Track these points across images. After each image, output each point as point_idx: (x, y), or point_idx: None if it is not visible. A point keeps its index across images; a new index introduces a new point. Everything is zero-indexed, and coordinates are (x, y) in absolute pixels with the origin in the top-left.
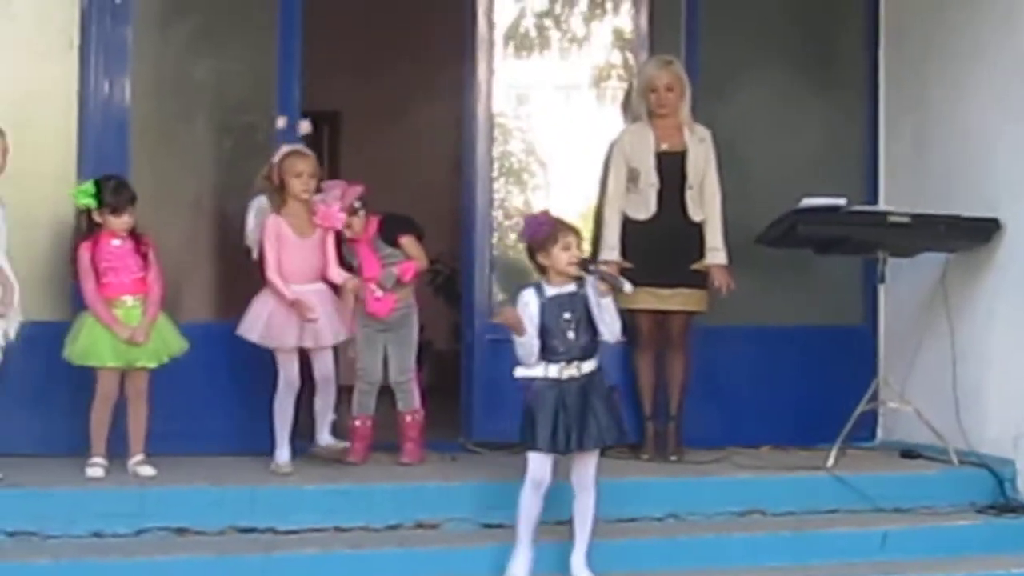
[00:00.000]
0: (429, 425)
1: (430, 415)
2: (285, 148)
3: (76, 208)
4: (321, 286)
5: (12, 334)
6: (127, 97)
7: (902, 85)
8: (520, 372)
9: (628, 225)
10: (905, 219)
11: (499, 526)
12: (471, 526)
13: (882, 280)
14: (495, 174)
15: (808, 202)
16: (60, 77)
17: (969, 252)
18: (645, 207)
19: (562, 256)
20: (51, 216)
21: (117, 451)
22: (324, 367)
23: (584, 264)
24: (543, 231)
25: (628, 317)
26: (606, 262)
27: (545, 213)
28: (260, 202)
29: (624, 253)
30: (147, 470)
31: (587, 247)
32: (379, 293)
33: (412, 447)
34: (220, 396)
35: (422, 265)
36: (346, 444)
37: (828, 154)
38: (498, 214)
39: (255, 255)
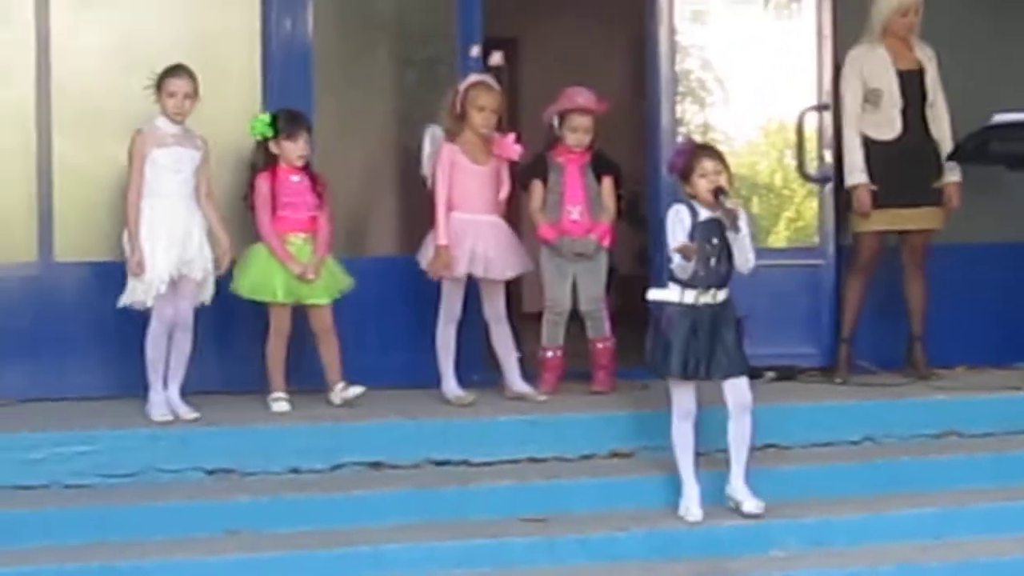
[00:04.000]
0: (618, 352)
1: (618, 342)
2: (473, 77)
3: (254, 141)
4: (496, 219)
5: (208, 298)
6: (309, 32)
7: None
8: (654, 295)
9: (872, 146)
10: None
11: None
12: (665, 454)
13: None
14: (678, 92)
15: (1001, 118)
16: (243, 15)
17: None
18: (890, 127)
19: (700, 183)
20: (236, 156)
21: (312, 385)
22: (494, 305)
23: (716, 193)
24: (680, 161)
25: (857, 238)
26: (855, 186)
27: (686, 141)
28: (435, 131)
29: (869, 174)
30: (355, 390)
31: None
32: (575, 216)
33: (604, 375)
34: (402, 329)
35: (612, 217)
36: (539, 397)
37: (1021, 67)
38: (681, 134)
39: (430, 184)
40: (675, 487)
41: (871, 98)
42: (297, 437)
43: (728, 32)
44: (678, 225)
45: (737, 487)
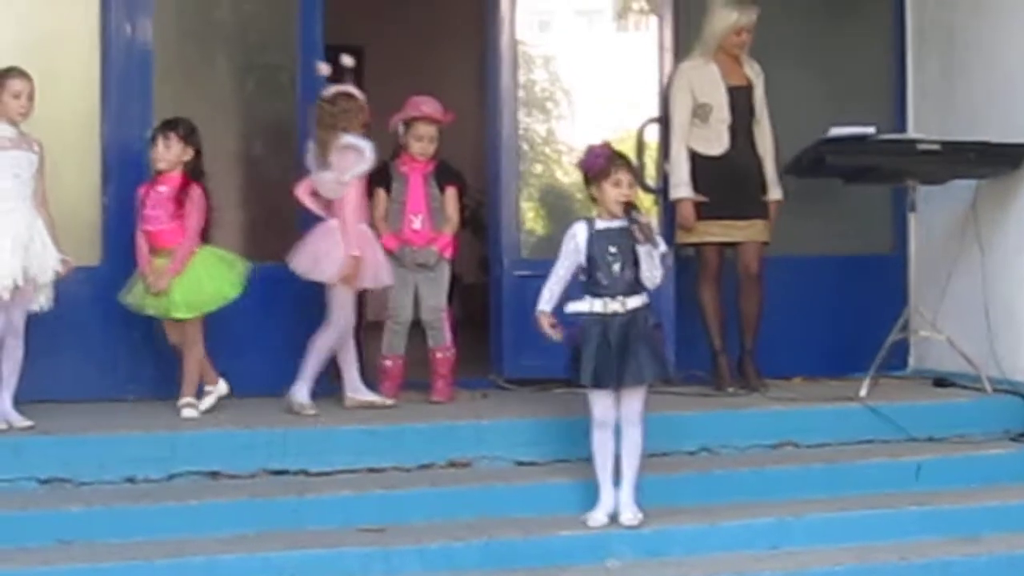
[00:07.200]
0: (458, 361)
1: (459, 351)
2: (335, 88)
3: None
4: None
5: (46, 303)
6: (149, 37)
7: (929, 10)
8: (570, 307)
9: (699, 160)
10: (934, 146)
11: (532, 463)
12: (504, 464)
13: (912, 208)
14: (519, 102)
15: (837, 131)
16: (82, 20)
17: (999, 178)
18: (718, 142)
19: (611, 192)
20: (76, 161)
21: (155, 395)
22: (348, 315)
23: (628, 209)
24: (597, 164)
25: (696, 251)
26: (679, 200)
27: (604, 145)
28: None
29: (696, 188)
30: (190, 412)
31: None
32: (417, 225)
33: (443, 385)
34: (248, 337)
35: (455, 228)
36: (388, 402)
37: (856, 82)
38: (523, 144)
39: (332, 194)
40: (513, 496)
41: (700, 113)
42: (132, 446)
43: (571, 43)
44: (568, 246)
45: (623, 501)
